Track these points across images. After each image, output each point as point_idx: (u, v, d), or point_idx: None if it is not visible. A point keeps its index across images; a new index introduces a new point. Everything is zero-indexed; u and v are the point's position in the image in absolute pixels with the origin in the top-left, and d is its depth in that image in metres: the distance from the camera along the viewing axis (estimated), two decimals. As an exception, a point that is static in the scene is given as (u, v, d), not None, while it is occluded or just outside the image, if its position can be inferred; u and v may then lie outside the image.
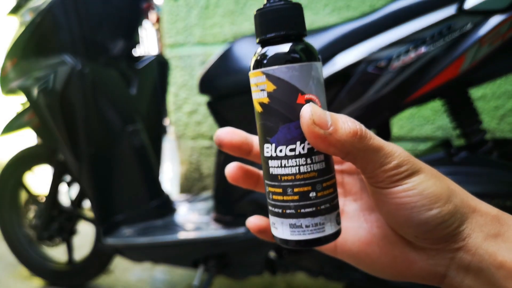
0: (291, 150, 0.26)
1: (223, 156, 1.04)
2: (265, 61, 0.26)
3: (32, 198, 1.42)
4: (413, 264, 0.28)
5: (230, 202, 1.03)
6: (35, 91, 1.12)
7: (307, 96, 0.25)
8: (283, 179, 0.26)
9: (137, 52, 1.38)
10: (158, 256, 1.14)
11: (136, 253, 1.15)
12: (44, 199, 1.37)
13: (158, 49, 3.07)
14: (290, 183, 0.26)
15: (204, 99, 1.69)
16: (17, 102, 1.34)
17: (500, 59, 0.77)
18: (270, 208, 0.28)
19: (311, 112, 0.25)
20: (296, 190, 0.26)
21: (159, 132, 1.42)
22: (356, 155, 0.25)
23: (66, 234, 1.39)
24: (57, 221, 1.36)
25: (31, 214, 1.42)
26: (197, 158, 1.80)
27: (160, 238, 1.07)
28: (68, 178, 1.38)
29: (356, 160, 0.26)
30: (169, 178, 2.22)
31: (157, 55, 1.39)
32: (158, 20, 1.91)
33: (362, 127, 0.26)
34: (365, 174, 0.27)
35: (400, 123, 1.42)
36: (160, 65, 1.39)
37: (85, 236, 1.47)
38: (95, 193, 1.16)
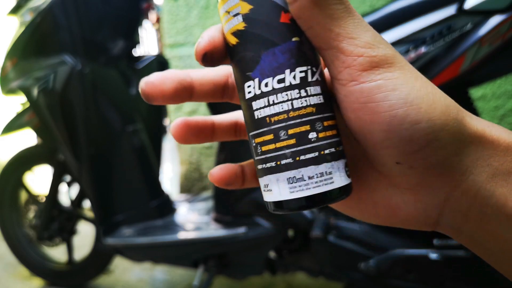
0: (279, 81, 0.21)
1: (223, 156, 1.04)
2: None
3: (32, 198, 1.42)
4: (397, 210, 0.22)
5: (230, 202, 1.04)
6: (35, 91, 1.12)
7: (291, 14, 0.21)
8: (273, 120, 0.21)
9: (137, 52, 1.39)
10: (158, 256, 1.14)
11: (136, 253, 1.15)
12: (44, 199, 1.37)
13: (158, 49, 3.07)
14: (283, 124, 0.21)
15: (204, 99, 1.69)
16: (17, 102, 1.34)
17: (500, 59, 0.77)
18: (259, 166, 0.22)
19: None
20: (291, 131, 0.21)
21: (159, 132, 1.42)
22: (314, 22, 0.19)
23: (66, 234, 1.39)
24: (57, 221, 1.36)
25: (31, 214, 1.42)
26: (197, 158, 1.80)
27: (160, 238, 1.07)
28: (68, 178, 1.38)
29: (314, 32, 0.20)
30: (169, 178, 2.22)
31: (157, 55, 1.39)
32: (158, 20, 1.90)
33: None
34: (324, 55, 0.20)
35: (400, 123, 1.42)
36: (160, 65, 1.39)
37: (85, 236, 1.47)
38: (95, 193, 1.16)
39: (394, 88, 0.19)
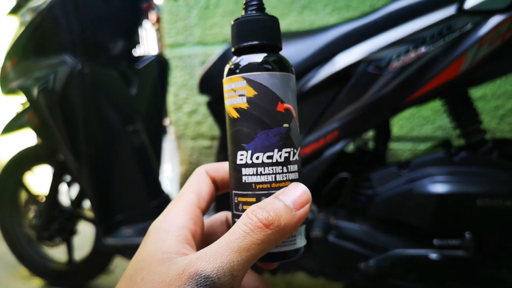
0: (268, 157, 0.25)
1: (223, 156, 1.04)
2: (246, 68, 0.26)
3: (32, 198, 1.42)
4: None
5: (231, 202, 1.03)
6: (35, 91, 1.12)
7: (286, 105, 0.26)
8: (258, 187, 0.26)
9: (137, 52, 1.38)
10: (158, 256, 1.14)
11: (136, 253, 1.14)
12: (44, 199, 1.37)
13: (158, 49, 3.07)
14: (265, 192, 0.25)
15: (204, 99, 1.69)
16: (17, 102, 1.34)
17: (500, 59, 0.77)
18: (237, 220, 0.27)
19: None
20: None
21: (159, 132, 1.42)
22: None
23: (66, 234, 1.39)
24: (57, 221, 1.36)
25: (31, 214, 1.42)
26: (197, 158, 1.80)
27: (160, 238, 1.07)
28: (68, 178, 1.38)
29: None
30: (169, 178, 2.22)
31: (157, 55, 1.39)
32: (158, 20, 1.90)
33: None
34: None
35: (400, 123, 1.42)
36: (160, 65, 1.39)
37: (85, 236, 1.47)
38: (95, 193, 1.16)
39: None
